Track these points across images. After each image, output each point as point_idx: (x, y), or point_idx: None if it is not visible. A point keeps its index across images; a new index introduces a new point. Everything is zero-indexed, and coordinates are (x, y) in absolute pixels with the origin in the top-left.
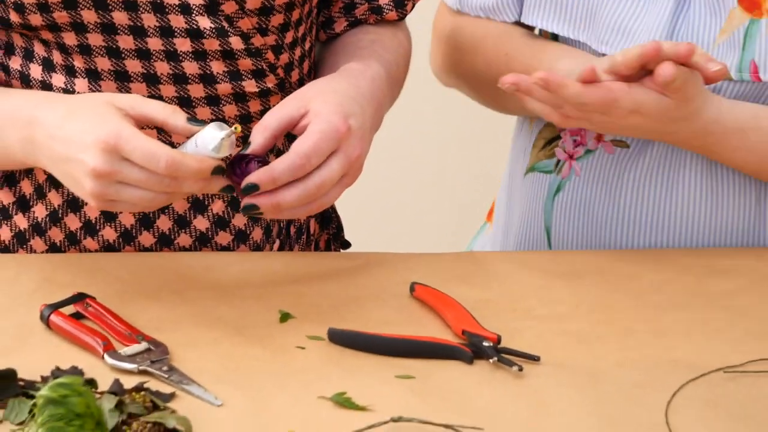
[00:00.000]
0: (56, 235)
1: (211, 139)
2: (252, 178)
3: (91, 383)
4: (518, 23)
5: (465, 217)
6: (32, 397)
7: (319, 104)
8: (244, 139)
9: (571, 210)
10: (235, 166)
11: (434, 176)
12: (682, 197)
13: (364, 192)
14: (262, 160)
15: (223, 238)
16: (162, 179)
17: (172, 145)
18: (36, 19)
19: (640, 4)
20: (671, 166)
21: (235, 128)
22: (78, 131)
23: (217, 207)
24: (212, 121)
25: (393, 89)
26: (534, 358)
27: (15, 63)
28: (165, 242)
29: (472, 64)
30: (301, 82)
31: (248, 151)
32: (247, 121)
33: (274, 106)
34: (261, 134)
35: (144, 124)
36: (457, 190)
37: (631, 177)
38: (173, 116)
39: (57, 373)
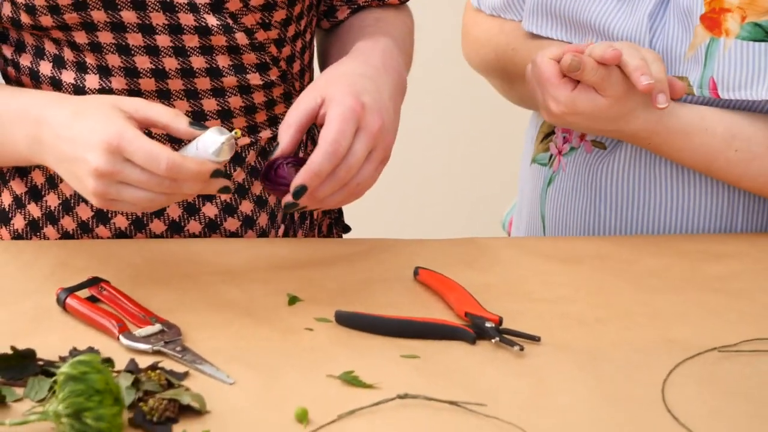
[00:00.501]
0: (68, 224)
1: (212, 143)
2: (298, 180)
3: (109, 362)
4: None
5: (474, 208)
6: (51, 375)
7: (332, 91)
8: (270, 140)
9: (558, 202)
10: (269, 172)
11: (443, 168)
12: (654, 195)
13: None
14: (291, 160)
15: (231, 224)
16: (162, 180)
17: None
18: (47, 20)
19: (618, 10)
20: (643, 165)
21: (235, 133)
22: (83, 132)
23: (239, 177)
24: (213, 125)
25: (405, 60)
26: (535, 339)
27: (25, 60)
28: (175, 229)
29: (484, 56)
30: (302, 73)
31: (278, 152)
32: (252, 111)
33: (277, 97)
34: (286, 133)
35: (148, 127)
36: (465, 182)
37: (605, 175)
38: (176, 120)
39: (74, 353)
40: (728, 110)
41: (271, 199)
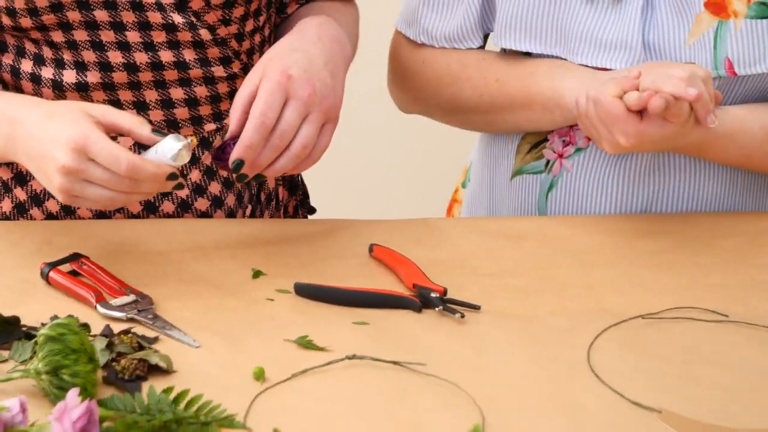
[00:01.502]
0: (53, 206)
1: (170, 149)
2: (233, 155)
3: (85, 327)
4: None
5: (430, 186)
6: (33, 338)
7: (266, 69)
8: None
9: (566, 203)
10: (219, 153)
11: (400, 156)
12: (670, 184)
13: (336, 166)
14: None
15: (202, 204)
16: (122, 180)
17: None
18: (26, 22)
19: (607, 15)
20: (658, 160)
21: (191, 140)
22: (53, 132)
23: (195, 176)
24: (170, 131)
25: (348, 37)
26: (475, 307)
27: (7, 59)
28: (151, 209)
29: (453, 94)
30: None
31: (228, 134)
32: (216, 101)
33: (239, 86)
34: (233, 116)
35: (113, 132)
36: (422, 162)
37: (622, 169)
38: (139, 127)
39: (55, 319)
40: (758, 107)
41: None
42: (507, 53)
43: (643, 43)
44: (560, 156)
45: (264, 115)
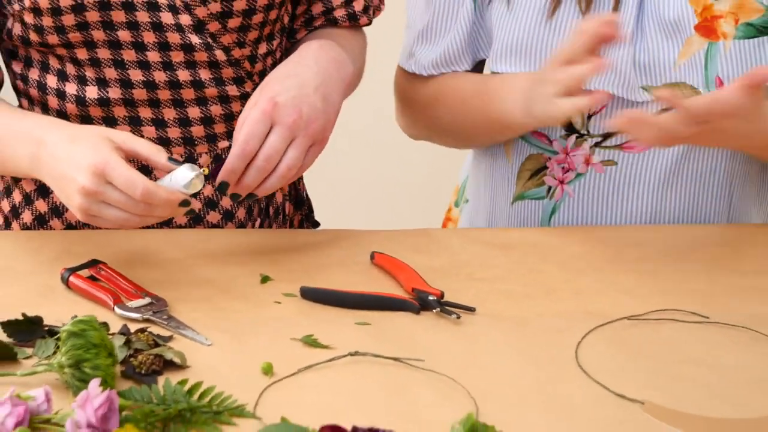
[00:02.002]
0: (71, 216)
1: (183, 178)
2: (219, 178)
3: (105, 326)
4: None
5: (428, 202)
6: (55, 336)
7: (258, 96)
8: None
9: (570, 224)
10: (216, 171)
11: (401, 167)
12: (671, 205)
13: (338, 179)
14: None
15: (213, 217)
16: (137, 204)
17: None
18: (53, 39)
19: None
20: (656, 169)
21: (204, 170)
22: (75, 155)
23: (207, 191)
24: (186, 161)
25: (353, 61)
26: (470, 309)
27: (33, 74)
28: (165, 221)
29: (435, 117)
30: None
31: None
32: (230, 119)
33: None
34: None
35: (132, 158)
36: (420, 179)
37: (624, 188)
38: (157, 155)
39: (75, 318)
40: None
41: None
42: (473, 74)
43: (634, 64)
44: (561, 182)
45: (246, 143)
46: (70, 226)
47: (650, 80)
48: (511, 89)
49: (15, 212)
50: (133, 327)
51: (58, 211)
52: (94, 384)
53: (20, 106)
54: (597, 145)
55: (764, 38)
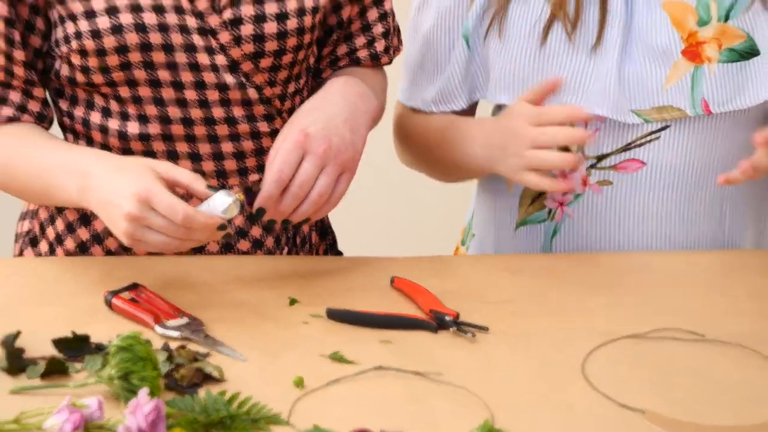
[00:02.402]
0: (112, 244)
1: (221, 203)
2: (255, 204)
3: (148, 343)
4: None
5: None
6: (101, 351)
7: (289, 128)
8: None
9: (570, 245)
10: (250, 199)
11: (417, 204)
12: (666, 223)
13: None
14: None
15: (243, 245)
16: (178, 228)
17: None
18: (98, 79)
19: (587, 64)
20: (650, 188)
21: (239, 196)
22: (121, 184)
23: (238, 221)
24: (223, 188)
25: (376, 94)
26: (484, 329)
27: (79, 111)
28: (198, 248)
29: (421, 152)
30: None
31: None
32: (261, 154)
33: None
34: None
35: (174, 186)
36: (433, 216)
37: (622, 207)
38: (196, 183)
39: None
40: None
41: (276, 227)
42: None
43: (621, 87)
44: (561, 204)
45: (281, 170)
46: (109, 253)
47: (639, 103)
48: (473, 137)
49: (59, 239)
50: (173, 344)
51: (98, 238)
52: (144, 393)
53: (66, 140)
54: (593, 166)
55: (746, 62)
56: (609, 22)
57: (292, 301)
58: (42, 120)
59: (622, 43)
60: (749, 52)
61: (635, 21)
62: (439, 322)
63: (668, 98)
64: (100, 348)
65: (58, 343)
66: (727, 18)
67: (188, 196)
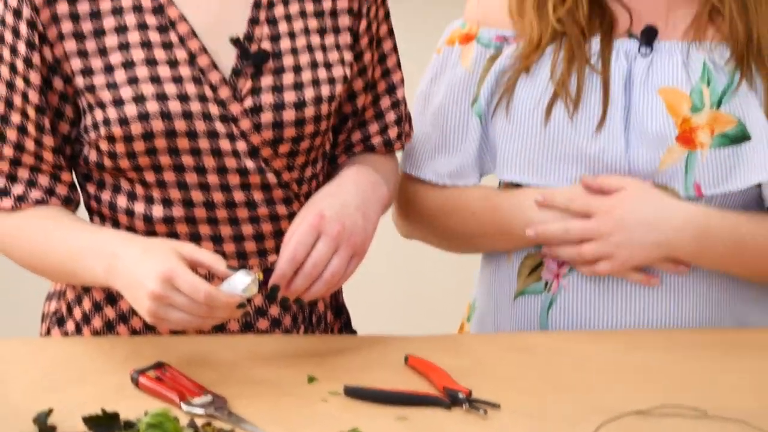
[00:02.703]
0: (137, 322)
1: (240, 283)
2: (270, 282)
3: (175, 420)
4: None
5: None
6: (131, 428)
7: (305, 212)
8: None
9: (565, 317)
10: (268, 279)
11: (426, 282)
12: (657, 298)
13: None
14: None
15: (262, 324)
16: (200, 306)
17: None
18: (124, 164)
19: (591, 146)
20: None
21: (258, 276)
22: (146, 266)
23: (257, 300)
24: (243, 267)
25: (386, 182)
26: (496, 406)
27: (106, 195)
28: (219, 327)
29: (445, 226)
30: None
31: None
32: (279, 236)
33: None
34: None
35: (196, 267)
36: (442, 293)
37: (615, 279)
38: (217, 263)
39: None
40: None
41: (290, 304)
42: (485, 187)
43: (627, 170)
44: (557, 276)
45: (295, 250)
46: (135, 332)
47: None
48: (516, 207)
49: (86, 319)
50: (198, 422)
51: (124, 317)
52: None
53: (92, 222)
54: None
55: (737, 147)
56: (612, 104)
57: (311, 379)
58: (69, 203)
59: (623, 130)
60: (741, 136)
61: (633, 105)
62: (452, 399)
63: (664, 180)
64: (129, 425)
65: (89, 420)
66: (719, 104)
67: (210, 276)
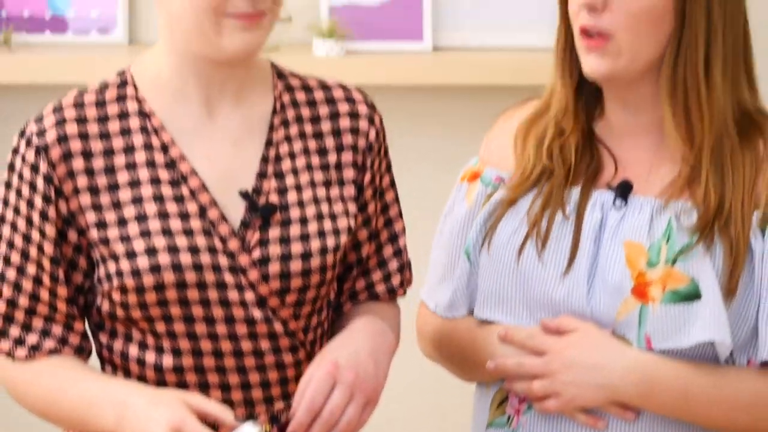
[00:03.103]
0: None
1: None
2: (289, 430)
3: None
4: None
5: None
6: None
7: (320, 361)
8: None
9: None
10: (277, 428)
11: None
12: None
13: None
14: None
15: None
16: None
17: None
18: (136, 314)
19: (557, 290)
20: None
21: (265, 427)
22: (155, 415)
23: None
24: (251, 417)
25: (390, 329)
26: None
27: (117, 344)
28: None
29: (442, 354)
30: None
31: (291, 412)
32: (285, 383)
33: (304, 371)
34: (296, 400)
35: (205, 417)
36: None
37: (564, 421)
38: (224, 414)
39: None
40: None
41: None
42: (471, 320)
43: (589, 314)
44: (517, 412)
45: (313, 399)
46: None
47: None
48: (485, 340)
49: None
50: None
51: None
52: None
53: (103, 371)
54: None
55: (688, 305)
56: (580, 252)
57: None
58: (81, 352)
59: (587, 278)
60: (692, 294)
61: (600, 254)
62: None
63: (621, 330)
64: None
65: None
66: (674, 261)
67: (218, 425)
